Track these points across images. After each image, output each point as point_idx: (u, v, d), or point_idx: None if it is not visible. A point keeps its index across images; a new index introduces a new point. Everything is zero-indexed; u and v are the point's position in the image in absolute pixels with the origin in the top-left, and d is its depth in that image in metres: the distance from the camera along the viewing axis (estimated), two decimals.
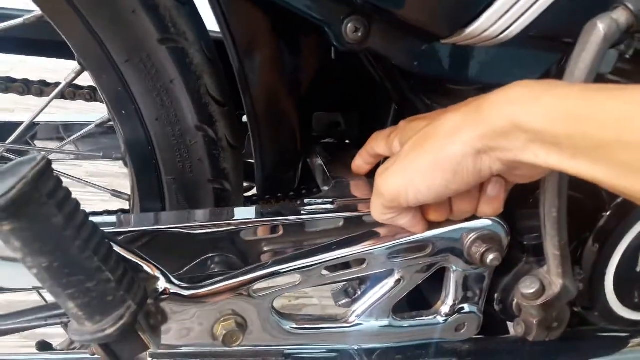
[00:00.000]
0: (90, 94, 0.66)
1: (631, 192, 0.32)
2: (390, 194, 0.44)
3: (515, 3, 0.42)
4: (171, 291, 0.45)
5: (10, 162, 0.35)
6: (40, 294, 0.75)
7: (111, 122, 0.57)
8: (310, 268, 0.50)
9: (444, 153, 0.40)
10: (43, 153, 0.37)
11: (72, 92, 0.65)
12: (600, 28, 0.39)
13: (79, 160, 1.10)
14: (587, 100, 0.33)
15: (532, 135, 0.35)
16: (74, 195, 0.38)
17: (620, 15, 0.39)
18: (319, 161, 0.66)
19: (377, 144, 0.55)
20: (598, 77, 0.60)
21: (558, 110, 0.34)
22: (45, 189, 0.35)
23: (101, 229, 0.41)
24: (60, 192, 0.36)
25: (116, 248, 0.42)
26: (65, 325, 0.68)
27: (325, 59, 0.56)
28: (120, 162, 1.66)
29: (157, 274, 0.45)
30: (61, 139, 0.83)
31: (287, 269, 0.49)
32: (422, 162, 0.41)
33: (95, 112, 0.81)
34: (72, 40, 0.49)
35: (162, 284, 0.45)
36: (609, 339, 0.71)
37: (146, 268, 0.45)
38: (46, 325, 0.48)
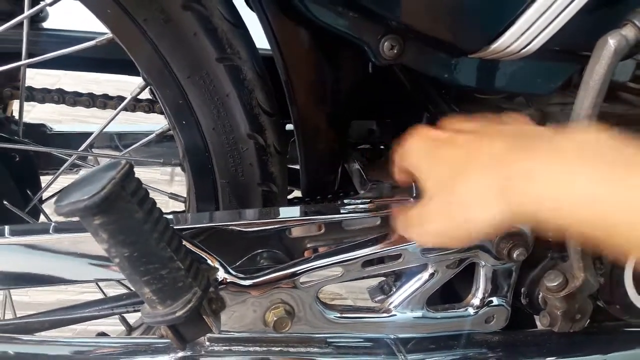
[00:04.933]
0: (149, 106, 0.73)
1: None
2: (432, 245, 0.48)
3: (536, 21, 0.46)
4: (229, 280, 0.51)
5: (80, 167, 0.41)
6: (99, 286, 0.83)
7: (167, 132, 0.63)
8: (351, 262, 0.55)
9: (476, 231, 0.40)
10: (123, 159, 0.44)
11: (132, 104, 0.73)
12: (611, 43, 0.43)
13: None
14: (621, 190, 0.31)
15: (560, 224, 0.34)
16: None
17: (629, 32, 0.43)
18: (356, 165, 0.71)
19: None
20: (617, 86, 0.65)
21: (587, 207, 0.32)
22: (130, 189, 0.41)
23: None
24: (141, 192, 0.42)
25: (184, 241, 0.49)
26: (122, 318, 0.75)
27: (363, 72, 0.62)
28: (161, 170, 1.74)
29: (217, 265, 0.51)
30: (114, 147, 0.91)
31: (329, 263, 0.54)
32: (456, 234, 0.42)
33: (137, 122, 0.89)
34: (140, 60, 0.56)
35: (221, 274, 0.51)
36: (634, 333, 0.74)
37: (208, 260, 0.51)
38: (125, 312, 0.54)
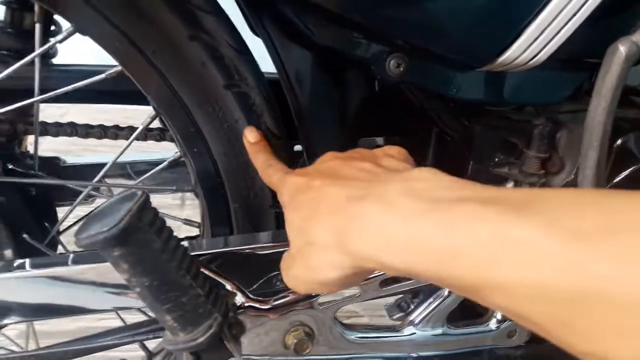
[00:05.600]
0: (160, 135, 0.74)
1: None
2: (295, 290, 0.43)
3: (544, 31, 0.46)
4: (247, 305, 0.51)
5: (95, 197, 0.41)
6: (119, 315, 0.83)
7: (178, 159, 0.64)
8: (367, 282, 0.55)
9: (328, 277, 0.38)
10: (139, 190, 0.44)
11: (144, 134, 0.73)
12: (621, 50, 0.43)
13: None
14: (444, 230, 0.29)
15: (403, 272, 0.32)
16: None
17: (639, 38, 0.43)
18: None
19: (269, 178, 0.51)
20: (630, 92, 0.64)
21: (415, 250, 0.30)
22: (147, 219, 0.41)
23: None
24: (158, 222, 0.43)
25: (201, 268, 0.49)
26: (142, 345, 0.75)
27: (370, 90, 0.62)
28: (173, 195, 1.74)
29: (235, 290, 0.51)
30: (127, 176, 0.91)
31: None
32: (310, 279, 0.39)
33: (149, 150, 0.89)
34: (149, 91, 0.56)
35: (239, 299, 0.51)
36: None
37: (226, 285, 0.51)
38: (146, 339, 0.54)
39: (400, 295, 0.69)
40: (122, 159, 0.89)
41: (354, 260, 0.35)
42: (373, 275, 0.54)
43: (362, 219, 0.34)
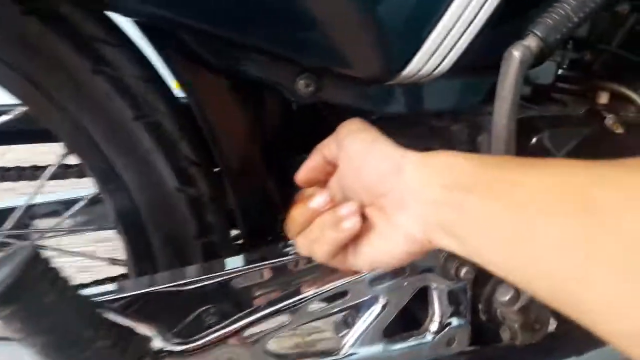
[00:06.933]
0: (80, 172, 0.71)
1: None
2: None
3: (441, 43, 0.46)
4: (167, 349, 0.49)
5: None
6: None
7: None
8: (294, 307, 0.53)
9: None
10: (31, 242, 0.42)
11: (62, 172, 0.70)
12: (515, 55, 0.44)
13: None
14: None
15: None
16: (81, 264, 0.41)
17: (531, 42, 0.44)
18: None
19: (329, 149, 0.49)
20: (547, 88, 0.65)
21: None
22: (36, 272, 0.39)
23: (94, 298, 0.44)
24: (50, 273, 0.40)
25: (109, 315, 0.46)
26: None
27: (288, 110, 0.61)
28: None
29: (152, 333, 0.48)
30: (48, 216, 0.86)
31: (271, 312, 0.52)
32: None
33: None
34: (56, 129, 0.54)
35: (158, 343, 0.49)
36: None
37: (140, 329, 0.48)
38: None
39: (346, 312, 0.68)
40: (43, 199, 0.85)
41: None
42: (298, 301, 0.53)
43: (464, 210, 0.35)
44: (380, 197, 0.42)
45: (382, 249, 0.42)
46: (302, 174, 0.50)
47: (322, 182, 0.50)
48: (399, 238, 0.40)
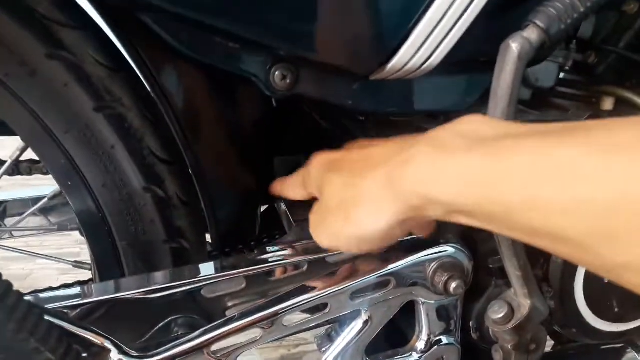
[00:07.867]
0: (30, 168, 0.66)
1: (561, 255, 0.30)
2: (328, 247, 0.47)
3: (429, 35, 0.42)
4: None
5: None
6: None
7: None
8: (269, 319, 0.48)
9: (372, 229, 0.40)
10: None
11: (28, 167, 0.65)
12: (513, 48, 0.39)
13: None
14: (490, 161, 0.31)
15: (447, 207, 0.34)
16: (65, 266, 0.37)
17: (531, 33, 0.39)
18: (282, 206, 0.65)
19: (295, 193, 0.55)
20: (547, 92, 0.61)
21: (462, 180, 0.32)
22: None
23: (48, 305, 0.40)
24: None
25: (62, 324, 0.42)
26: None
27: (266, 106, 0.56)
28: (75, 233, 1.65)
29: (109, 345, 0.44)
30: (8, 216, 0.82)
31: (244, 324, 0.48)
32: (351, 234, 0.42)
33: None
34: (10, 119, 0.49)
35: (114, 356, 0.44)
36: (605, 352, 0.69)
37: (96, 341, 0.43)
38: None
39: (329, 326, 0.63)
40: (24, 195, 0.81)
41: (401, 204, 0.37)
42: (272, 314, 0.48)
43: (413, 161, 0.36)
44: None
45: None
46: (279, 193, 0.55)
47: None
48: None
